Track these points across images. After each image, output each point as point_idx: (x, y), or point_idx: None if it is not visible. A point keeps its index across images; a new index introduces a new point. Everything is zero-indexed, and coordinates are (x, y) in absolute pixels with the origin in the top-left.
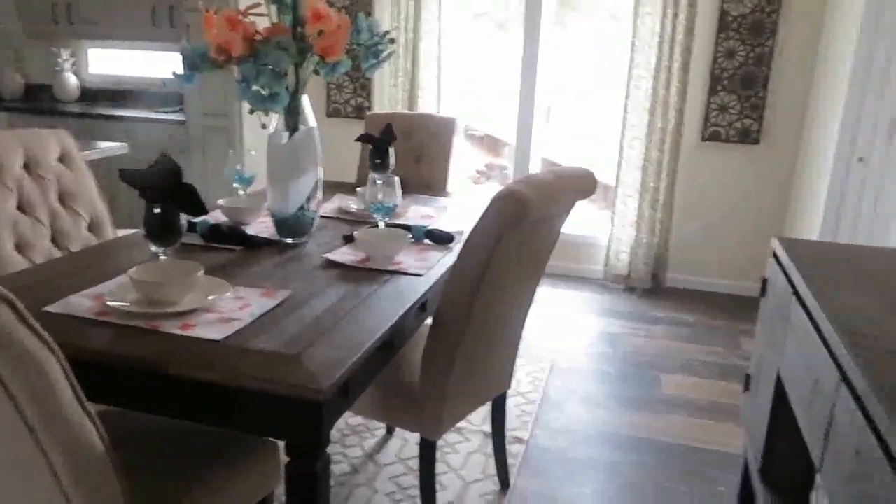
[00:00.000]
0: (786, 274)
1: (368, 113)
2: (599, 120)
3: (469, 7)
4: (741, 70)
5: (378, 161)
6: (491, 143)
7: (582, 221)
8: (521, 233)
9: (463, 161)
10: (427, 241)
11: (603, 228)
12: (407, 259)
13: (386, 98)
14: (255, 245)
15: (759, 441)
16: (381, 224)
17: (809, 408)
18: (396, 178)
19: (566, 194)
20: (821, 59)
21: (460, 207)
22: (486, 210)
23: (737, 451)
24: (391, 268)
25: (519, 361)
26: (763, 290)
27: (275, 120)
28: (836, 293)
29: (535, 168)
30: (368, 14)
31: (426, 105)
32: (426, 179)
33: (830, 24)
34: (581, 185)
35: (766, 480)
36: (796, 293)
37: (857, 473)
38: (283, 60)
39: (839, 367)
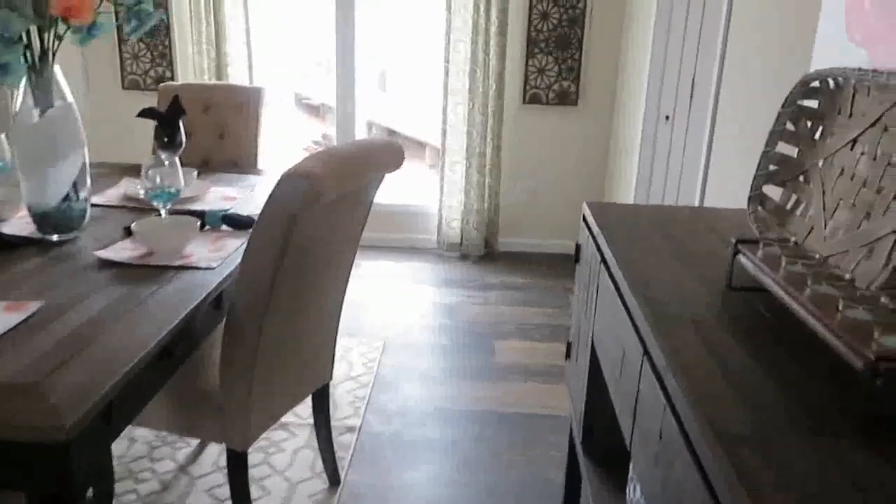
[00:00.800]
0: (594, 239)
1: (161, 85)
2: (430, 85)
3: None
4: (556, 32)
5: (166, 139)
6: (328, 113)
7: (414, 190)
8: (319, 212)
9: (298, 132)
10: (225, 227)
11: (434, 196)
12: (199, 250)
13: (190, 68)
14: (11, 246)
15: (580, 413)
16: (163, 212)
17: (619, 382)
18: (177, 159)
19: (368, 168)
20: (628, 20)
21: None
22: (273, 191)
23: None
24: (178, 262)
25: (350, 343)
26: (577, 257)
27: (20, 96)
28: (642, 260)
29: (361, 136)
30: None
31: (236, 75)
32: (232, 156)
33: None
34: (385, 158)
35: (588, 453)
36: (603, 260)
37: (661, 457)
38: (13, 23)
39: (641, 339)
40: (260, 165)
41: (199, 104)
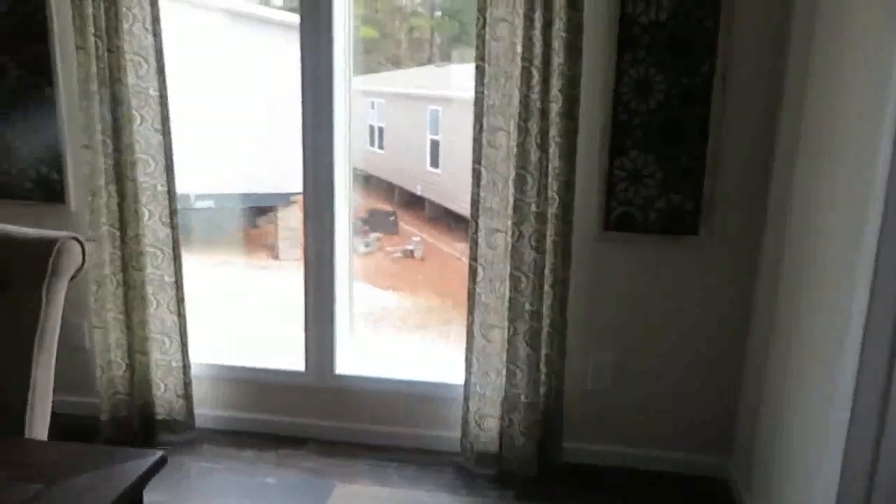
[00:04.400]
0: None
1: None
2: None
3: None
4: (662, 114)
5: None
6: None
7: (424, 360)
8: None
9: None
10: None
11: (457, 369)
12: None
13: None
14: None
15: None
16: None
17: None
18: None
19: None
20: (797, 81)
21: None
22: None
23: None
24: None
25: None
26: None
27: None
28: None
29: None
30: None
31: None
32: None
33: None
34: None
35: None
36: None
37: None
38: None
39: None
40: None
41: None
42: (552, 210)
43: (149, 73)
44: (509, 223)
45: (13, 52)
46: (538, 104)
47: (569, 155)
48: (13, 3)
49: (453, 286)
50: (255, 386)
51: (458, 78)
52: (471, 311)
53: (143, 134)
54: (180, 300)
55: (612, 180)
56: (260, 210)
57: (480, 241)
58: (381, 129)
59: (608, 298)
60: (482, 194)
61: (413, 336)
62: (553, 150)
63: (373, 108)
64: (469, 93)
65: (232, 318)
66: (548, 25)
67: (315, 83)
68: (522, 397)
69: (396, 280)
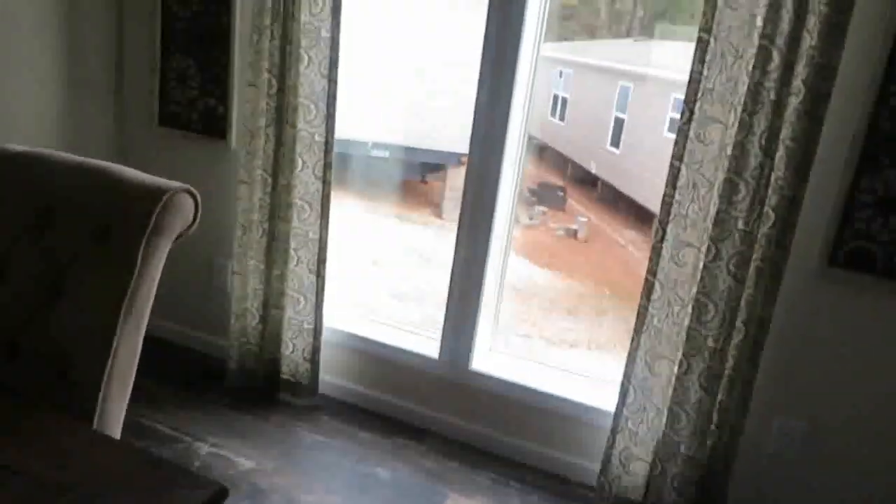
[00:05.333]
0: None
1: None
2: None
3: None
4: None
5: None
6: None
7: (562, 376)
8: None
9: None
10: None
11: (607, 395)
12: None
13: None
14: None
15: None
16: None
17: None
18: None
19: None
20: None
21: None
22: None
23: None
24: None
25: None
26: None
27: None
28: None
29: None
30: None
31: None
32: None
33: None
34: None
35: None
36: None
37: None
38: None
39: None
40: None
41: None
42: (765, 230)
43: (323, 11)
44: (706, 238)
45: None
46: (772, 95)
47: (801, 164)
48: None
49: (613, 274)
50: (385, 364)
51: (657, 55)
52: (637, 333)
53: (308, 77)
54: (321, 261)
55: (852, 204)
56: (432, 167)
57: (665, 252)
58: (564, 100)
59: (818, 351)
60: (677, 197)
61: (562, 320)
62: (781, 155)
63: (560, 77)
64: (668, 72)
65: (377, 276)
66: (797, 14)
67: (499, 45)
68: (683, 447)
69: (554, 258)
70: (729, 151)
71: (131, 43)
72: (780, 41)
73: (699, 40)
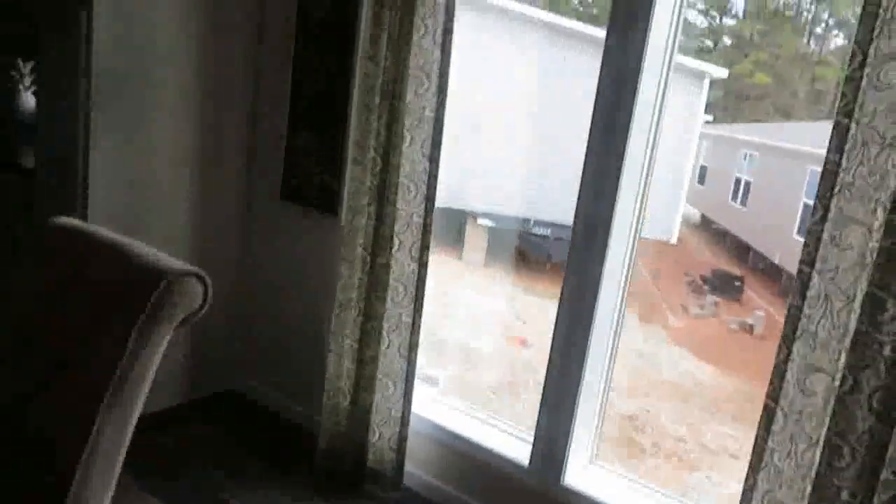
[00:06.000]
0: None
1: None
2: None
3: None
4: None
5: None
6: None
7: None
8: None
9: None
10: None
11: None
12: None
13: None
14: None
15: None
16: None
17: None
18: None
19: None
20: None
21: None
22: None
23: None
24: None
25: None
26: None
27: None
28: None
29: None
30: None
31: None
32: None
33: None
34: None
35: None
36: None
37: None
38: None
39: None
40: None
41: None
42: None
43: (428, 91)
44: (840, 364)
45: (325, 54)
46: None
47: None
48: (332, 8)
49: None
50: (473, 463)
51: None
52: (753, 471)
53: (409, 157)
54: (413, 346)
55: None
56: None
57: (789, 376)
58: (747, 184)
59: None
60: (806, 311)
61: (722, 425)
62: None
63: (745, 159)
64: None
65: (479, 360)
66: None
67: (610, 124)
68: None
69: (723, 354)
70: (874, 258)
71: (262, 120)
72: None
73: (836, 125)
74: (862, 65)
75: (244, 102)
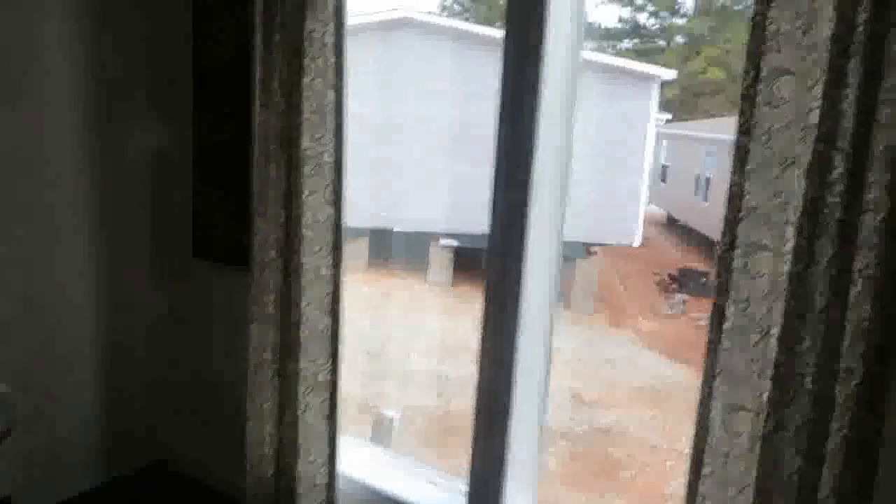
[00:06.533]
0: None
1: None
2: None
3: None
4: None
5: None
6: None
7: None
8: None
9: None
10: None
11: None
12: None
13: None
14: None
15: None
16: None
17: None
18: None
19: None
20: None
21: None
22: None
23: None
24: None
25: None
26: None
27: None
28: None
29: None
30: None
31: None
32: None
33: None
34: None
35: None
36: None
37: None
38: None
39: None
40: None
41: None
42: (847, 390)
43: (325, 136)
44: (763, 401)
45: (224, 105)
46: (837, 214)
47: (890, 300)
48: (228, 58)
49: None
50: None
51: None
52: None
53: (311, 206)
54: (333, 406)
55: None
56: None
57: (714, 414)
58: (707, 180)
59: None
60: (725, 345)
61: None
62: (857, 292)
63: (706, 155)
64: None
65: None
66: (869, 85)
67: (512, 134)
68: None
69: (695, 353)
70: (785, 288)
71: (166, 178)
72: (843, 143)
73: (736, 144)
74: (755, 80)
75: (146, 169)
